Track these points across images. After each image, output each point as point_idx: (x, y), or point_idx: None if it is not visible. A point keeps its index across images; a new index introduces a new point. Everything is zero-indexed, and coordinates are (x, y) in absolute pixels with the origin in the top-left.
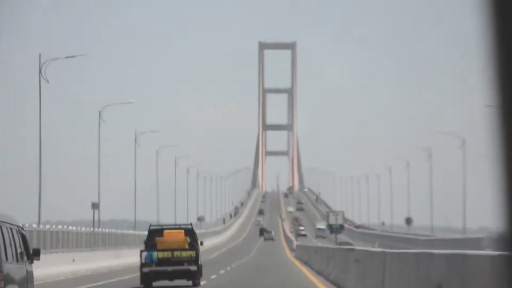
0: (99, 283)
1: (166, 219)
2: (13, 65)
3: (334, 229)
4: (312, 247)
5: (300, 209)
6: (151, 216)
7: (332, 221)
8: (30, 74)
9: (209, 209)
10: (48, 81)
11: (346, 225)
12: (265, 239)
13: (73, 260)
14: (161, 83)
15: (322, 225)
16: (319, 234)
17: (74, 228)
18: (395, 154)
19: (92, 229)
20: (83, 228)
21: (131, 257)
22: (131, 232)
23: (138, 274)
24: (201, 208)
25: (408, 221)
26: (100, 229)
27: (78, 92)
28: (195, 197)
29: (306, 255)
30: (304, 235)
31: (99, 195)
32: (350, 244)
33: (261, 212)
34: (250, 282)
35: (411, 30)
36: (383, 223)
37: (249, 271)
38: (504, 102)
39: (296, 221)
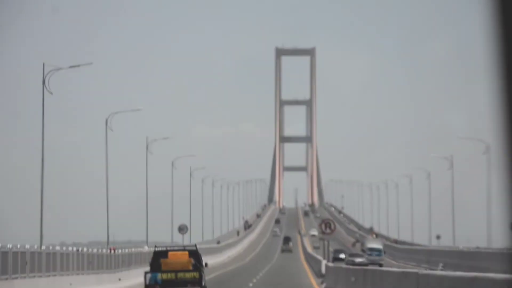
0: None
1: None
2: (16, 75)
3: None
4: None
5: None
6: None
7: None
8: (34, 84)
9: (217, 223)
10: (51, 93)
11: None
12: (282, 251)
13: (70, 284)
14: (172, 94)
15: (377, 244)
16: (372, 258)
17: (70, 248)
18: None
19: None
20: (81, 249)
21: (136, 278)
22: (133, 250)
23: None
24: (197, 220)
25: None
26: (98, 250)
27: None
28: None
29: None
30: (341, 259)
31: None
32: None
33: (277, 221)
34: None
35: (427, 37)
36: (438, 237)
37: None
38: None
39: (326, 226)
